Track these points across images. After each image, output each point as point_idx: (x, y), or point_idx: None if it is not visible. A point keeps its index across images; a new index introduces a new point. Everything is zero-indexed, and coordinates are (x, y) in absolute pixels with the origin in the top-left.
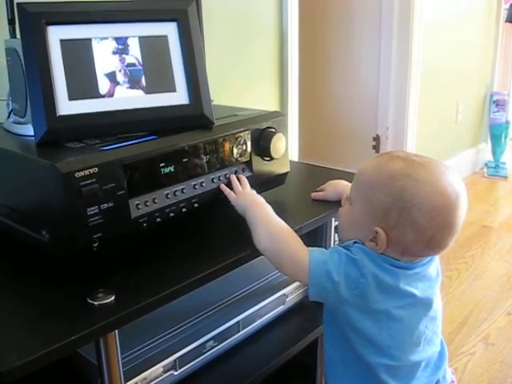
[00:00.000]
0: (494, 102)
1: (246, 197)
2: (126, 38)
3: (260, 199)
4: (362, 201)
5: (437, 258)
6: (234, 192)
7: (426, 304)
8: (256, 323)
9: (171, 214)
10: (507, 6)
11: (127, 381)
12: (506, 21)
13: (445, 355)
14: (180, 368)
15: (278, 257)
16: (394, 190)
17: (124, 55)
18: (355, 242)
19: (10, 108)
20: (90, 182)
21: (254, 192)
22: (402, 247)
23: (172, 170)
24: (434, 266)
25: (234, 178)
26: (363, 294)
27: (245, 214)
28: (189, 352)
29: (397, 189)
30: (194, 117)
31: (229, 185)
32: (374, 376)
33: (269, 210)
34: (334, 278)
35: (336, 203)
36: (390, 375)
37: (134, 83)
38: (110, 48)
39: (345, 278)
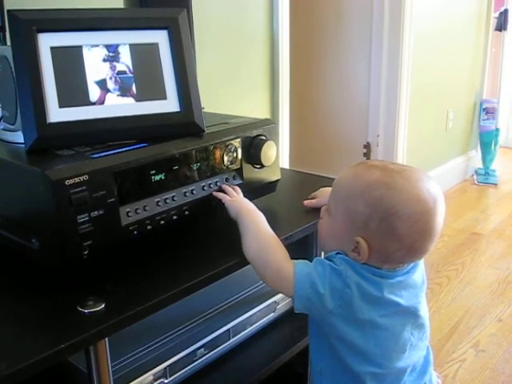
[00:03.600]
0: (484, 109)
1: (240, 201)
2: (117, 45)
3: (254, 207)
4: (341, 212)
5: (422, 265)
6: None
7: (411, 312)
8: (246, 331)
9: (162, 222)
10: (497, 14)
11: None
12: (496, 29)
13: (430, 360)
14: (170, 376)
15: (263, 267)
16: (372, 200)
17: (115, 63)
18: (338, 253)
19: (0, 115)
20: (80, 189)
21: (248, 200)
22: (384, 255)
23: (162, 177)
24: (419, 273)
25: (226, 186)
26: (348, 304)
27: (237, 218)
28: (179, 360)
29: (375, 198)
30: (185, 124)
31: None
32: None
33: (261, 218)
34: (319, 289)
35: None
36: (377, 383)
37: (124, 91)
38: (101, 55)
39: (329, 289)
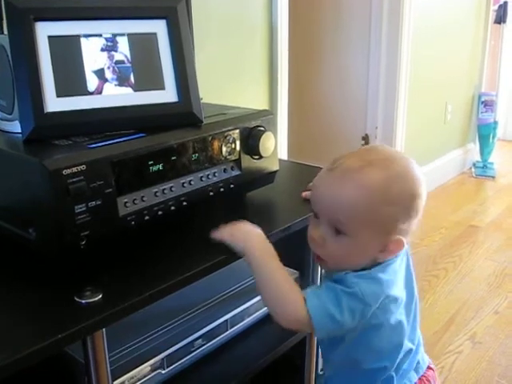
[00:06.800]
0: (483, 102)
1: (243, 235)
2: (115, 35)
3: (256, 240)
4: (364, 225)
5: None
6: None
7: (409, 302)
8: (244, 322)
9: (160, 212)
10: (496, 7)
11: (115, 380)
12: (495, 22)
13: (420, 340)
14: (168, 367)
15: (276, 315)
16: (392, 198)
17: (113, 52)
18: (346, 273)
19: None
20: (77, 179)
21: (250, 227)
22: (408, 235)
23: (160, 167)
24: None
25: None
26: (367, 316)
27: (243, 254)
28: (177, 351)
29: (393, 195)
30: (183, 115)
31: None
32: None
33: (265, 256)
34: (337, 318)
35: None
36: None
37: (122, 80)
38: (99, 45)
39: (348, 313)
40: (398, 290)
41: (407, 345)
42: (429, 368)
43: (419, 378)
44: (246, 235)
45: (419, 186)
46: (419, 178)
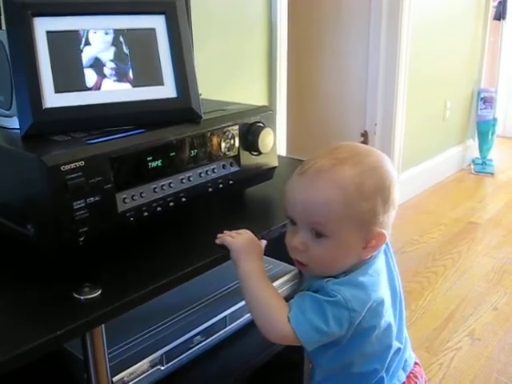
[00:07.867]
0: (482, 98)
1: (242, 244)
2: (114, 30)
3: (256, 256)
4: (344, 225)
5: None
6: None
7: (395, 300)
8: (243, 318)
9: (158, 209)
10: (495, 3)
11: (114, 376)
12: (494, 18)
13: (407, 337)
14: (167, 363)
15: (262, 330)
16: (368, 192)
17: (111, 48)
18: (327, 281)
19: None
20: (76, 175)
21: (249, 238)
22: (389, 228)
23: (159, 163)
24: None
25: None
26: (355, 322)
27: (235, 264)
28: (176, 347)
29: (369, 188)
30: (182, 110)
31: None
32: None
33: (258, 269)
34: (324, 329)
35: None
36: (378, 381)
37: (121, 76)
38: (98, 40)
39: (334, 322)
40: (383, 291)
41: (395, 344)
42: (415, 364)
43: (407, 376)
44: (245, 246)
45: (392, 178)
46: (391, 170)
